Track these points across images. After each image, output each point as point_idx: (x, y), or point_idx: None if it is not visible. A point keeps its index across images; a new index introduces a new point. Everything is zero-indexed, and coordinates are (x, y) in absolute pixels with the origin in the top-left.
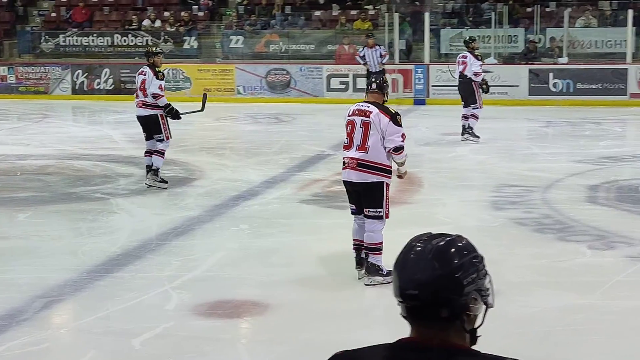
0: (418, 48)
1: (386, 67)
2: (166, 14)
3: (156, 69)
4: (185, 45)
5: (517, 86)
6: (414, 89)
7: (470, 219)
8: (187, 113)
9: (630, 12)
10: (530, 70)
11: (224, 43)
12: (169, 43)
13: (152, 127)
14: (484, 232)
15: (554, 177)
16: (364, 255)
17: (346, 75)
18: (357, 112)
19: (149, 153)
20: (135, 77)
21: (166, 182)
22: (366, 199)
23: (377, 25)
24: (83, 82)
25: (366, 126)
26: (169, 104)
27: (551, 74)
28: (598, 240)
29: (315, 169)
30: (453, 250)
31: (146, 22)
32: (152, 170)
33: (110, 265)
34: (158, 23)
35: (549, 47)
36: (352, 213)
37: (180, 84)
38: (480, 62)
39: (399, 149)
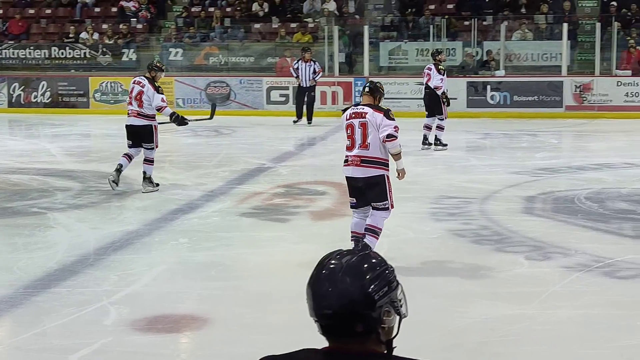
0: (358, 61)
1: (328, 79)
2: (104, 26)
3: (156, 83)
4: (124, 58)
5: (455, 98)
6: (354, 101)
7: (409, 230)
8: (195, 120)
9: (565, 26)
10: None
11: (163, 55)
12: (107, 56)
13: (144, 136)
14: (422, 243)
15: (492, 189)
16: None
17: (286, 88)
18: (353, 116)
19: (127, 156)
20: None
21: (158, 185)
22: (372, 193)
23: (317, 38)
24: (20, 95)
25: (364, 126)
26: (174, 112)
27: (489, 87)
28: (535, 251)
29: (256, 181)
30: (365, 266)
31: (84, 35)
32: (145, 178)
33: (47, 281)
34: (96, 36)
35: (486, 60)
36: (352, 207)
37: (119, 97)
38: (442, 77)
39: (391, 136)
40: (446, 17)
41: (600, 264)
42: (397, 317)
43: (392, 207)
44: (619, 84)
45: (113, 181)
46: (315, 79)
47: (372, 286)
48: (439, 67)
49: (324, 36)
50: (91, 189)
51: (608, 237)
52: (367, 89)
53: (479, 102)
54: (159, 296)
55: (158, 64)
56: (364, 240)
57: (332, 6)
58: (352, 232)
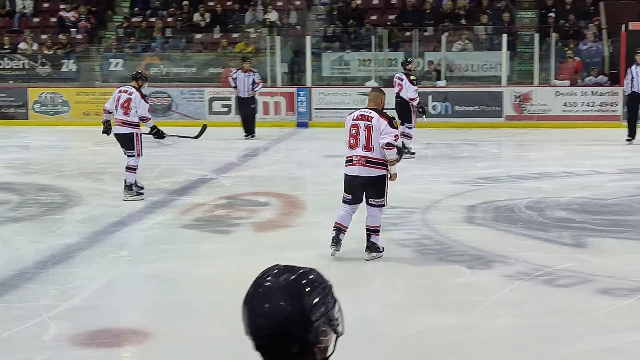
0: (300, 71)
1: (270, 90)
2: (44, 36)
3: (143, 91)
4: (64, 69)
5: (393, 108)
6: (296, 111)
7: (352, 240)
8: (178, 136)
9: (504, 37)
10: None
11: (104, 66)
12: (46, 66)
13: (126, 143)
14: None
15: (434, 198)
16: (342, 237)
17: (228, 99)
18: (360, 117)
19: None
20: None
21: (142, 193)
22: (371, 191)
23: (259, 49)
24: None
25: (369, 129)
26: (155, 126)
27: (430, 97)
28: (476, 260)
29: (197, 193)
30: (302, 283)
31: (23, 45)
32: (126, 186)
33: None
34: (35, 46)
35: (427, 71)
36: (345, 202)
37: (59, 108)
38: (415, 88)
39: (389, 145)
40: (388, 27)
41: (540, 272)
42: (334, 335)
43: (386, 204)
44: (558, 94)
45: (130, 197)
46: (255, 90)
47: (309, 306)
48: (411, 77)
49: (266, 47)
50: (30, 201)
51: (548, 246)
52: (372, 96)
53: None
54: (100, 310)
55: (145, 74)
56: (371, 239)
57: (274, 17)
58: (336, 222)
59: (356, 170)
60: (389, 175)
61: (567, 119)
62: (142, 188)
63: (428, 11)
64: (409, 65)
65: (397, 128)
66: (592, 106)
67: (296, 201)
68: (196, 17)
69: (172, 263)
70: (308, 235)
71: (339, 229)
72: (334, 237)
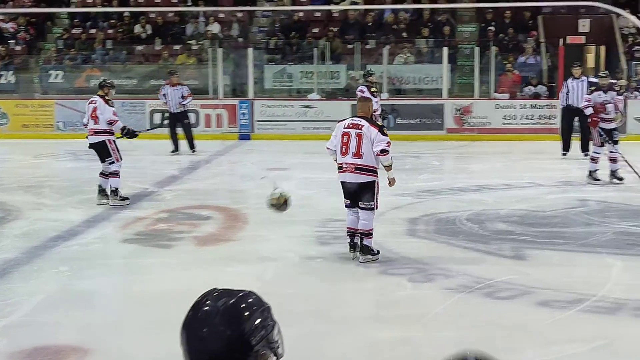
0: (242, 83)
1: (212, 102)
2: None
3: (107, 98)
4: (2, 80)
5: (339, 121)
6: (238, 124)
7: (295, 254)
8: (147, 130)
9: (445, 50)
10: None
11: (43, 78)
12: None
13: (102, 152)
14: (308, 267)
15: (377, 211)
16: (358, 240)
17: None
18: (351, 126)
19: (104, 174)
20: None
21: (127, 199)
22: (361, 194)
23: (201, 61)
24: None
25: (360, 137)
26: (125, 126)
27: None
28: (418, 273)
29: (138, 207)
30: (241, 307)
31: None
32: (111, 191)
33: None
34: None
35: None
36: (346, 206)
37: None
38: (377, 99)
39: (384, 151)
40: (330, 40)
41: (480, 285)
42: (274, 358)
43: (377, 207)
44: (497, 106)
45: (103, 203)
46: (184, 103)
47: (249, 330)
48: (372, 89)
49: (207, 58)
50: None
51: (488, 258)
52: (360, 103)
53: None
54: (39, 327)
55: (108, 81)
56: (364, 242)
57: (216, 28)
58: (347, 227)
59: (347, 177)
60: (385, 181)
61: (507, 131)
62: (127, 198)
63: (370, 24)
64: (370, 77)
65: (387, 135)
66: (531, 119)
67: (238, 215)
68: (137, 28)
69: (113, 278)
70: (250, 249)
71: (352, 233)
72: (349, 243)
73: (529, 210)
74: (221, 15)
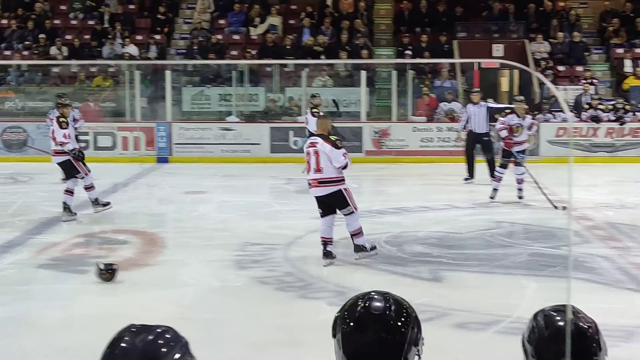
0: (160, 106)
1: (129, 124)
2: None
3: (60, 119)
4: None
5: (259, 144)
6: (156, 147)
7: (214, 279)
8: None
9: (363, 73)
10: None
11: None
12: None
13: (69, 170)
14: (227, 292)
15: (295, 234)
16: (330, 249)
17: (86, 134)
18: (310, 145)
19: (69, 192)
20: None
21: (109, 203)
22: (335, 204)
23: (118, 82)
24: None
25: (317, 154)
26: (74, 148)
27: (291, 132)
28: (337, 296)
29: (54, 231)
30: (159, 343)
31: None
32: (92, 202)
33: None
34: None
35: (288, 107)
36: (321, 216)
37: None
38: (316, 119)
39: (345, 167)
40: (249, 62)
41: None
42: None
43: (356, 209)
44: (415, 129)
45: (69, 219)
46: (75, 126)
47: None
48: (313, 110)
49: (124, 80)
50: None
51: (406, 281)
52: (319, 122)
53: (282, 147)
54: None
55: (61, 100)
56: (355, 242)
57: (133, 50)
58: (321, 237)
59: (315, 192)
60: (344, 187)
61: (424, 154)
62: (108, 203)
63: (288, 47)
64: (314, 100)
65: (341, 148)
66: (447, 142)
67: (156, 239)
68: (53, 50)
69: (28, 304)
70: (168, 273)
71: (325, 242)
72: (323, 251)
73: (446, 232)
74: (139, 37)
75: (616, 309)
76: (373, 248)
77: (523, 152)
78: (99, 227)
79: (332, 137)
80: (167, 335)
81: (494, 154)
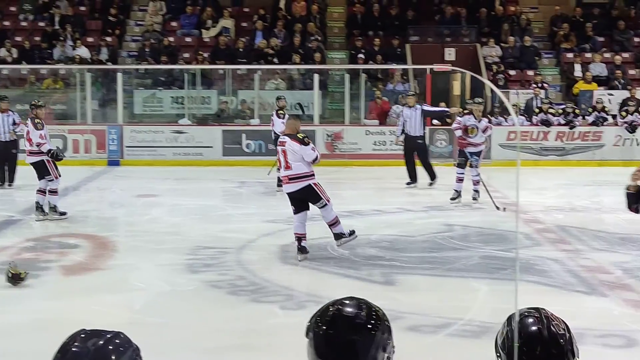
0: (111, 108)
1: (80, 127)
2: None
3: (36, 120)
4: None
5: (211, 147)
6: (107, 149)
7: (165, 283)
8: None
9: (316, 76)
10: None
11: None
12: None
13: (41, 171)
14: (179, 296)
15: (248, 238)
16: (304, 244)
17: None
18: (279, 144)
19: (41, 191)
20: None
21: (65, 213)
22: (308, 199)
23: (69, 85)
24: None
25: (285, 152)
26: (51, 149)
27: (244, 135)
28: (289, 300)
29: (3, 235)
30: (110, 349)
31: None
32: (50, 208)
33: None
34: None
35: (241, 109)
36: (294, 213)
37: None
38: (282, 121)
39: (315, 160)
40: (201, 65)
41: None
42: None
43: (329, 201)
44: (368, 133)
45: (41, 219)
46: (15, 131)
47: None
48: (279, 112)
49: (75, 82)
50: None
51: (358, 284)
52: (289, 121)
53: (234, 150)
54: None
55: (34, 102)
56: (333, 231)
57: (84, 53)
58: (294, 233)
59: (287, 188)
60: (314, 182)
61: (377, 157)
62: (64, 213)
63: (241, 49)
64: (279, 102)
65: (308, 144)
66: (400, 145)
67: (107, 243)
68: (2, 52)
69: None
70: (119, 278)
71: (299, 238)
72: (297, 246)
73: (399, 235)
74: (90, 40)
75: (566, 311)
76: (352, 233)
77: (478, 154)
78: (50, 231)
79: (300, 135)
80: (117, 340)
81: (429, 157)
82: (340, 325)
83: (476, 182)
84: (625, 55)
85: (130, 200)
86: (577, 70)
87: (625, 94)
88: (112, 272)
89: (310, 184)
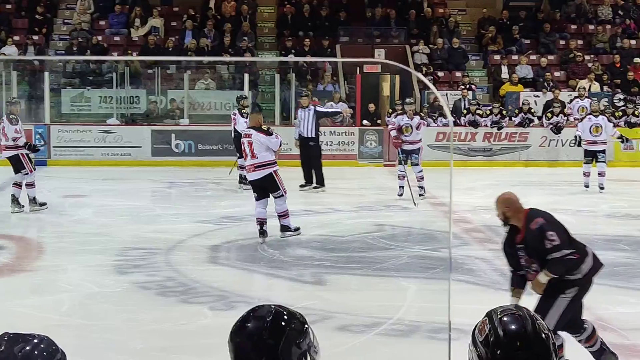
0: (38, 108)
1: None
2: None
3: (11, 116)
4: None
5: (140, 147)
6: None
7: (93, 285)
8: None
9: (246, 76)
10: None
11: None
12: None
13: (17, 165)
14: (107, 298)
15: (177, 239)
16: (266, 228)
17: None
18: (244, 136)
19: (17, 185)
20: None
21: (45, 204)
22: (269, 187)
23: None
24: None
25: (250, 144)
26: (27, 142)
27: (173, 135)
28: (219, 300)
29: None
30: (35, 354)
31: None
32: (30, 200)
33: None
34: None
35: (170, 109)
36: (256, 199)
37: None
38: (245, 120)
39: (280, 145)
40: (129, 65)
41: None
42: None
43: (285, 193)
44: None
45: (17, 211)
46: None
47: None
48: (242, 111)
49: (1, 81)
50: None
51: (289, 284)
52: (253, 113)
53: (163, 150)
54: None
55: (9, 99)
56: (281, 222)
57: (10, 51)
58: (256, 218)
59: (251, 176)
60: (275, 170)
61: None
62: (44, 204)
63: (171, 49)
64: (242, 101)
65: (272, 133)
66: (330, 145)
67: (33, 244)
68: None
69: None
70: (46, 279)
71: (261, 222)
72: (259, 230)
73: (329, 235)
74: (16, 38)
75: None
76: (297, 229)
77: (417, 151)
78: None
79: (264, 127)
80: (42, 345)
81: (320, 159)
82: (245, 334)
83: (420, 179)
84: (551, 57)
85: (58, 201)
86: (504, 72)
87: (550, 95)
88: (38, 274)
89: (271, 172)
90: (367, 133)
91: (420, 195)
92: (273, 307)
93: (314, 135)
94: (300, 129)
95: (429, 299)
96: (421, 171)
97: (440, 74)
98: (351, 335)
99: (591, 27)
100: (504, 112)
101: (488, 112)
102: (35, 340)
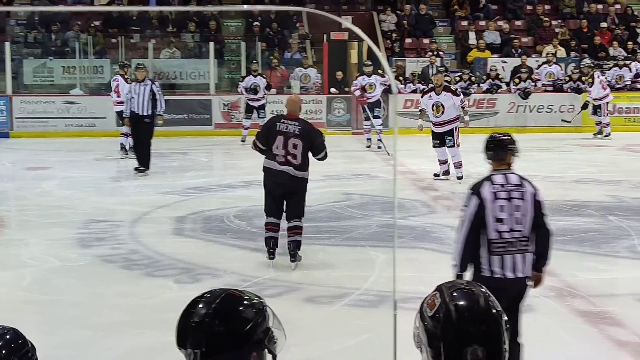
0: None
1: None
2: None
3: None
4: None
5: (104, 117)
6: None
7: (56, 259)
8: None
9: (211, 45)
10: None
11: None
12: None
13: None
14: (70, 272)
15: (142, 210)
16: None
17: None
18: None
19: None
20: None
21: None
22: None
23: None
24: None
25: None
26: None
27: None
28: (184, 273)
29: None
30: (5, 353)
31: None
32: None
33: None
34: None
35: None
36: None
37: None
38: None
39: None
40: (92, 34)
41: (248, 283)
42: None
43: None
44: (267, 102)
45: None
46: None
47: None
48: (126, 76)
49: None
50: None
51: (256, 256)
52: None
53: None
54: None
55: None
56: None
57: None
58: None
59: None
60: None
61: None
62: None
63: (135, 17)
64: (123, 69)
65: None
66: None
67: None
68: None
69: None
70: (7, 254)
71: None
72: None
73: None
74: None
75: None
76: None
77: (378, 104)
78: None
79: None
80: (7, 337)
81: (150, 142)
82: (199, 309)
83: (380, 132)
84: (518, 23)
85: (20, 173)
86: (472, 38)
87: (517, 61)
88: (2, 248)
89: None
90: (335, 101)
91: (380, 147)
92: (221, 291)
93: (149, 113)
94: (133, 105)
95: (397, 268)
96: (381, 124)
97: (408, 40)
98: (319, 307)
99: None
100: (473, 78)
101: (457, 78)
102: (1, 332)
